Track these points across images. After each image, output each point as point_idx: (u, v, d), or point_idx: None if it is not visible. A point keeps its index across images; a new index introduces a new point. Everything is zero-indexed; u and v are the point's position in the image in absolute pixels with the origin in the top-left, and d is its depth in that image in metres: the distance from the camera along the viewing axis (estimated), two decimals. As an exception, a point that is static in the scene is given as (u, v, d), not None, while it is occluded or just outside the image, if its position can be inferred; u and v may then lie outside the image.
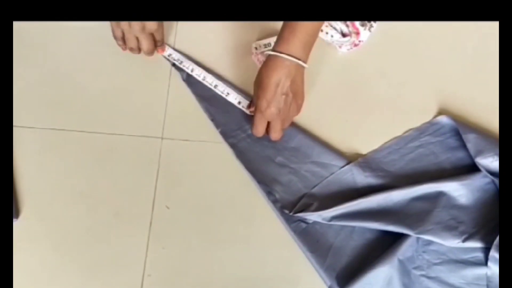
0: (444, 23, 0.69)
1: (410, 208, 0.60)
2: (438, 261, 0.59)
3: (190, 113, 0.66)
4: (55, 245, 0.61)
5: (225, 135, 0.65)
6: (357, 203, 0.59)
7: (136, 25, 0.61)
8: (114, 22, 0.62)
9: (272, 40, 0.66)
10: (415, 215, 0.59)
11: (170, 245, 0.61)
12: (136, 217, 0.62)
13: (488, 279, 0.57)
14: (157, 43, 0.65)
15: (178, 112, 0.66)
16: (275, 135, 0.61)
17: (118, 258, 0.61)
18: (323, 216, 0.60)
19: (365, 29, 0.68)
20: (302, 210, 0.61)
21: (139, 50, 0.65)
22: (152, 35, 0.64)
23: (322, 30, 0.67)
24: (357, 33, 0.67)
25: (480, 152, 0.60)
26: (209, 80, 0.66)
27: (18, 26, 0.67)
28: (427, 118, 0.66)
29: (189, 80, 0.67)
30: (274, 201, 0.62)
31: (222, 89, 0.66)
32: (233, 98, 0.66)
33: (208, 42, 0.69)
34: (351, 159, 0.64)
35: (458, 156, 0.63)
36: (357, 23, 0.67)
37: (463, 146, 0.62)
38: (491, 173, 0.59)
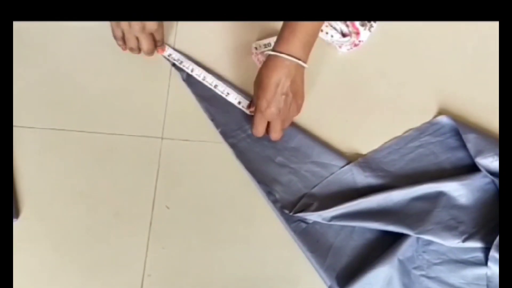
0: (444, 23, 0.69)
1: (410, 208, 0.60)
2: (438, 261, 0.59)
3: (190, 113, 0.66)
4: (55, 245, 0.61)
5: (225, 135, 0.65)
6: (357, 203, 0.59)
7: (136, 25, 0.61)
8: (114, 22, 0.62)
9: (272, 40, 0.66)
10: (415, 215, 0.59)
11: (170, 245, 0.61)
12: (136, 217, 0.62)
13: (488, 279, 0.57)
14: (157, 43, 0.65)
15: (178, 112, 0.66)
16: (275, 135, 0.61)
17: (118, 258, 0.61)
18: (323, 216, 0.60)
19: (365, 29, 0.68)
20: (302, 210, 0.61)
21: (139, 50, 0.65)
22: (152, 35, 0.64)
23: (322, 30, 0.67)
24: (357, 33, 0.67)
25: (480, 152, 0.60)
26: (209, 80, 0.66)
27: (18, 26, 0.67)
28: (427, 118, 0.66)
29: (189, 80, 0.67)
30: (274, 201, 0.62)
31: (222, 89, 0.66)
32: (233, 98, 0.66)
33: (208, 42, 0.69)
34: (351, 159, 0.64)
35: (458, 156, 0.63)
36: (357, 23, 0.67)
37: (463, 146, 0.62)
38: (491, 173, 0.59)
